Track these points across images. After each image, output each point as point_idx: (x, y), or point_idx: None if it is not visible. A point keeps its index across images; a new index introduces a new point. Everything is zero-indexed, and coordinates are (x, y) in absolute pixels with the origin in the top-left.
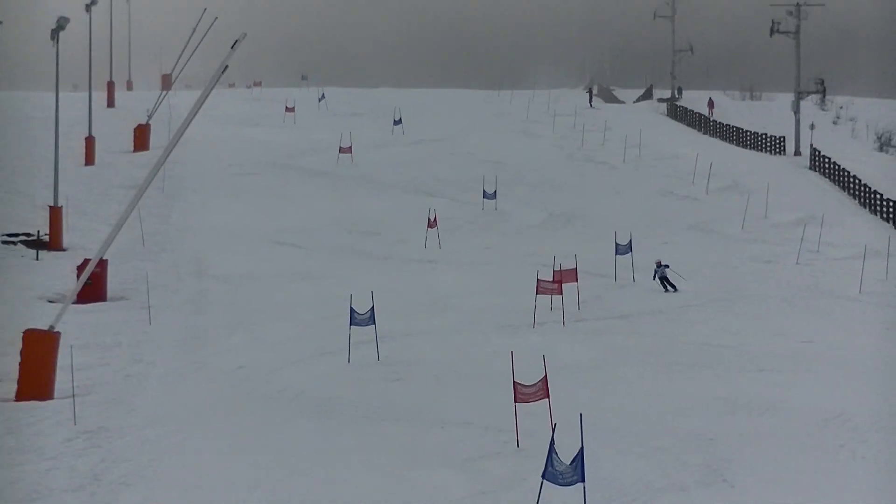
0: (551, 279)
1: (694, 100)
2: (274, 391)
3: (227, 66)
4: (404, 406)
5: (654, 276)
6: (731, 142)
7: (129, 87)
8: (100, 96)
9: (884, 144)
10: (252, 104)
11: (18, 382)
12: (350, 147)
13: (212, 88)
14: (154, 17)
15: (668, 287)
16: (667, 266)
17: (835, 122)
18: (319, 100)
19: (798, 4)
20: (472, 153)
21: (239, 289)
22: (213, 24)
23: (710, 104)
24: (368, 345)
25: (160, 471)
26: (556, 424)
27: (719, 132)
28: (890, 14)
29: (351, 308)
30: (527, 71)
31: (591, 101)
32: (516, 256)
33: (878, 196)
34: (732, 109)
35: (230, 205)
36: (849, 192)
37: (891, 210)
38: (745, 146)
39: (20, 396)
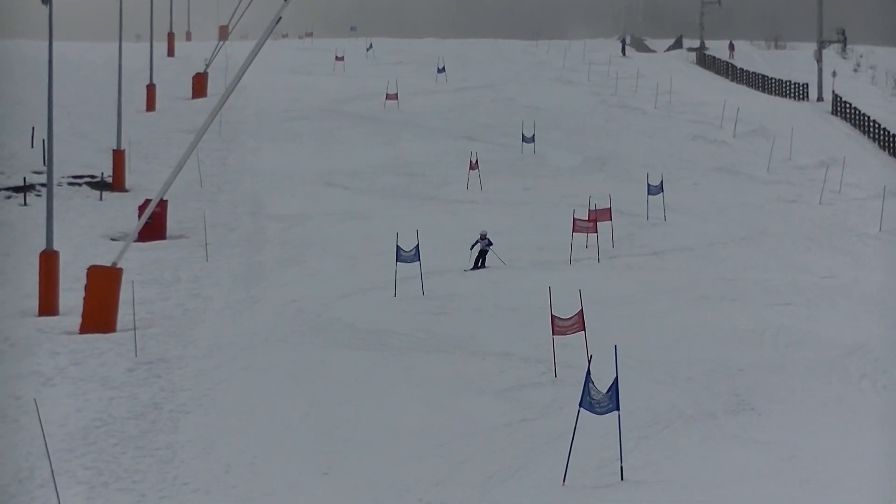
0: (587, 218)
1: (720, 49)
2: (325, 323)
3: (280, 18)
4: (447, 338)
5: (472, 246)
6: (756, 88)
7: (189, 37)
8: (161, 46)
9: None
10: (304, 54)
11: (83, 316)
12: (396, 94)
13: (266, 39)
14: None
15: (480, 264)
16: (490, 244)
17: (855, 70)
18: (367, 49)
19: None
20: (512, 100)
21: (292, 227)
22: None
23: (731, 47)
24: (414, 280)
25: (217, 399)
26: (591, 356)
27: (746, 80)
28: None
29: (397, 246)
30: (564, 23)
31: (623, 50)
32: (553, 197)
33: (894, 138)
34: (759, 58)
35: (284, 148)
36: (869, 136)
37: None
38: (770, 93)
39: (84, 329)
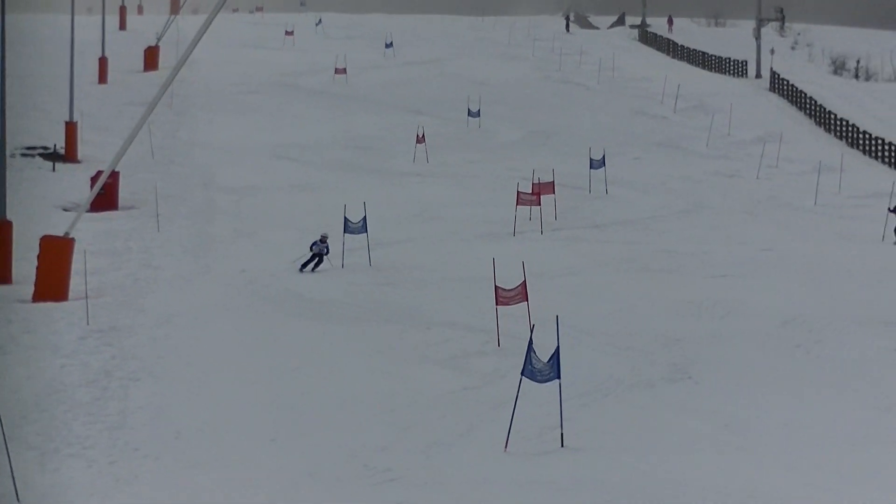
0: (530, 191)
1: (662, 26)
2: (274, 294)
3: None
4: (394, 308)
5: (311, 246)
6: (697, 65)
7: (140, 11)
8: (112, 20)
9: (838, 68)
10: (254, 28)
11: (35, 285)
12: (345, 69)
13: (216, 13)
14: None
15: (314, 267)
16: (328, 250)
17: (793, 48)
18: (316, 24)
19: None
20: (458, 75)
21: (243, 199)
22: None
23: (670, 21)
24: (361, 251)
25: (168, 367)
26: (534, 326)
27: (686, 56)
28: None
29: (345, 217)
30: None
31: (568, 27)
32: (498, 171)
33: (832, 116)
34: (699, 35)
35: (234, 121)
36: (805, 112)
37: (844, 128)
38: (710, 69)
39: (37, 298)
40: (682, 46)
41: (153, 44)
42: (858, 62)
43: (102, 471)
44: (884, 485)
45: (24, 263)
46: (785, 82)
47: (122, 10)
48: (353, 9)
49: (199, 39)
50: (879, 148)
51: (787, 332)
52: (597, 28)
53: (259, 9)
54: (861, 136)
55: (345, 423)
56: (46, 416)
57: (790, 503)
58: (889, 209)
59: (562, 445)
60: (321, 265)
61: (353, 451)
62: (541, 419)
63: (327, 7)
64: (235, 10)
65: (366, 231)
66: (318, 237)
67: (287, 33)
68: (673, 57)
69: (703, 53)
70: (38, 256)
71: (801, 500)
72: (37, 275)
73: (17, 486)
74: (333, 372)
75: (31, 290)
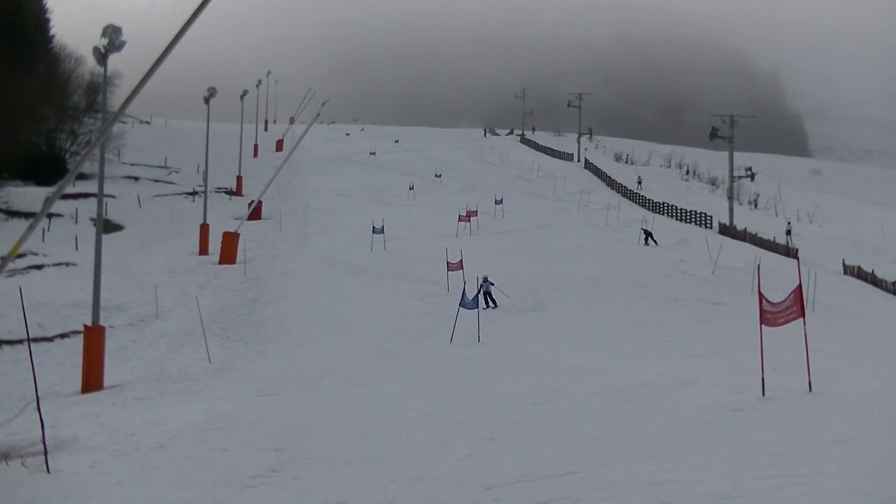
0: (465, 214)
1: (530, 134)
2: (337, 262)
3: (318, 114)
4: (397, 271)
5: (479, 292)
6: (548, 155)
7: (274, 122)
8: (261, 126)
9: (618, 158)
10: (331, 131)
11: (220, 255)
12: (375, 152)
13: (312, 125)
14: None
15: (490, 303)
16: (492, 283)
17: (596, 147)
18: (361, 130)
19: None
20: (430, 157)
21: (322, 216)
22: (321, 104)
23: (532, 130)
24: (381, 244)
25: (285, 297)
26: (465, 282)
27: (543, 151)
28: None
29: (373, 225)
30: (459, 117)
31: (485, 134)
32: (449, 204)
33: (614, 182)
34: (549, 140)
35: (319, 176)
36: (601, 179)
37: (619, 187)
38: (555, 157)
39: (221, 262)
40: (541, 145)
41: (280, 138)
42: (628, 155)
43: (250, 348)
44: (637, 359)
45: (215, 244)
46: (591, 164)
47: (266, 122)
48: (380, 122)
49: (303, 137)
50: (638, 198)
51: (590, 287)
52: (498, 135)
53: (332, 122)
54: (628, 192)
55: (369, 327)
56: (223, 320)
57: (592, 366)
58: (641, 228)
59: (479, 341)
60: (489, 306)
61: (372, 342)
62: (468, 328)
63: (369, 121)
64: (325, 123)
65: (383, 233)
66: (481, 279)
67: (346, 134)
68: (536, 150)
69: (552, 149)
70: (222, 242)
71: (597, 365)
72: (221, 251)
73: (210, 354)
74: (365, 303)
75: (217, 258)
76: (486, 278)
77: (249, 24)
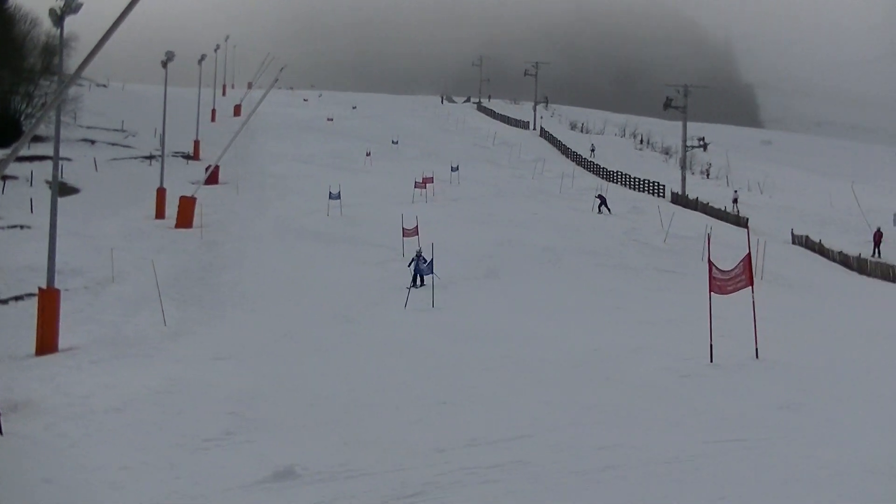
0: (422, 181)
1: (487, 102)
2: (293, 228)
3: (276, 79)
4: (353, 236)
5: (411, 264)
6: (505, 123)
7: (232, 87)
8: (218, 91)
9: (573, 127)
10: (288, 97)
11: (177, 219)
12: (332, 118)
13: (269, 90)
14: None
15: (418, 281)
16: (425, 259)
17: (552, 115)
18: (319, 96)
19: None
20: (388, 122)
21: (279, 181)
22: (279, 69)
23: (489, 98)
24: (337, 209)
25: (245, 262)
26: (420, 248)
27: (500, 118)
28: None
29: (329, 191)
30: (421, 84)
31: (442, 101)
32: (406, 171)
33: (569, 150)
34: (506, 108)
35: (277, 142)
36: (556, 147)
37: (574, 156)
38: (511, 125)
39: (177, 226)
40: (497, 113)
41: (238, 103)
42: (583, 124)
43: (207, 313)
44: (589, 326)
45: (172, 209)
46: (547, 132)
47: (224, 87)
48: (338, 88)
49: (261, 102)
50: (592, 166)
51: (545, 254)
52: (455, 103)
53: (290, 87)
54: (582, 160)
55: (325, 294)
56: (179, 285)
57: (545, 333)
58: (595, 195)
59: (433, 306)
60: (423, 281)
61: (328, 307)
62: (423, 294)
63: (327, 87)
64: (283, 88)
65: (340, 199)
66: (414, 253)
67: (304, 100)
68: (493, 118)
69: (507, 117)
70: (178, 206)
71: (550, 332)
72: (177, 214)
73: (166, 318)
74: (321, 268)
75: (173, 223)
76: (420, 253)
77: None
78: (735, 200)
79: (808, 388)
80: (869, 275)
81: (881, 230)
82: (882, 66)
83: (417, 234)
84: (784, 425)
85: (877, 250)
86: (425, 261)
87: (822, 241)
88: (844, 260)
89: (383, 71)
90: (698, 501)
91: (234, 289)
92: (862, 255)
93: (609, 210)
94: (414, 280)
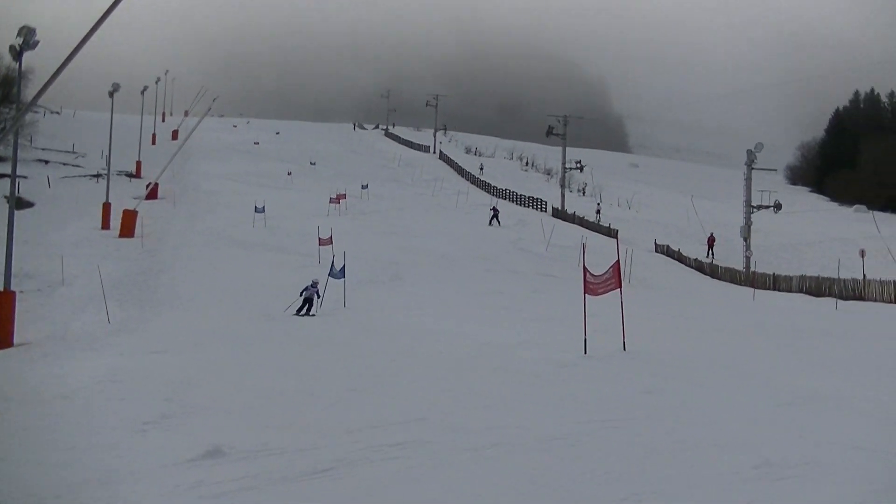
0: (335, 197)
1: (393, 129)
2: (223, 237)
3: (210, 109)
4: (273, 244)
5: (303, 293)
6: (409, 147)
7: (171, 113)
8: (159, 118)
9: (468, 151)
10: (221, 123)
11: (120, 229)
12: (258, 143)
13: (203, 117)
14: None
15: (307, 309)
16: (317, 292)
17: (450, 141)
18: (247, 123)
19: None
20: (307, 147)
21: (210, 196)
22: (212, 100)
23: (393, 125)
24: (262, 221)
25: (179, 267)
26: (335, 255)
27: (404, 143)
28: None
29: (255, 205)
30: (336, 112)
31: (354, 128)
32: (322, 188)
33: (464, 170)
34: (409, 134)
35: (210, 163)
36: (453, 168)
37: (468, 176)
38: (415, 149)
39: (120, 235)
40: (402, 138)
41: (175, 128)
42: (476, 149)
43: (145, 312)
44: (481, 323)
45: (116, 221)
46: (445, 155)
47: (164, 114)
48: (263, 116)
49: (195, 128)
50: (484, 184)
51: (442, 260)
52: (366, 129)
53: (221, 115)
54: (475, 179)
55: (251, 295)
56: (123, 286)
57: (442, 329)
58: (490, 208)
59: (345, 306)
60: (311, 309)
61: (252, 306)
62: (335, 296)
63: (253, 115)
64: (215, 116)
65: (264, 212)
66: (310, 282)
67: (234, 126)
68: (398, 143)
69: (411, 142)
70: (122, 218)
71: (447, 328)
72: (121, 225)
73: (109, 316)
74: (247, 272)
75: (117, 233)
76: (315, 283)
77: (151, 25)
78: (598, 211)
79: (667, 375)
80: (720, 278)
81: (714, 235)
82: (733, 101)
83: (332, 243)
84: (647, 407)
85: (710, 252)
86: (318, 294)
87: (681, 250)
88: (699, 266)
89: (303, 101)
90: (574, 472)
91: (169, 290)
92: (699, 259)
93: (500, 223)
94: (300, 308)
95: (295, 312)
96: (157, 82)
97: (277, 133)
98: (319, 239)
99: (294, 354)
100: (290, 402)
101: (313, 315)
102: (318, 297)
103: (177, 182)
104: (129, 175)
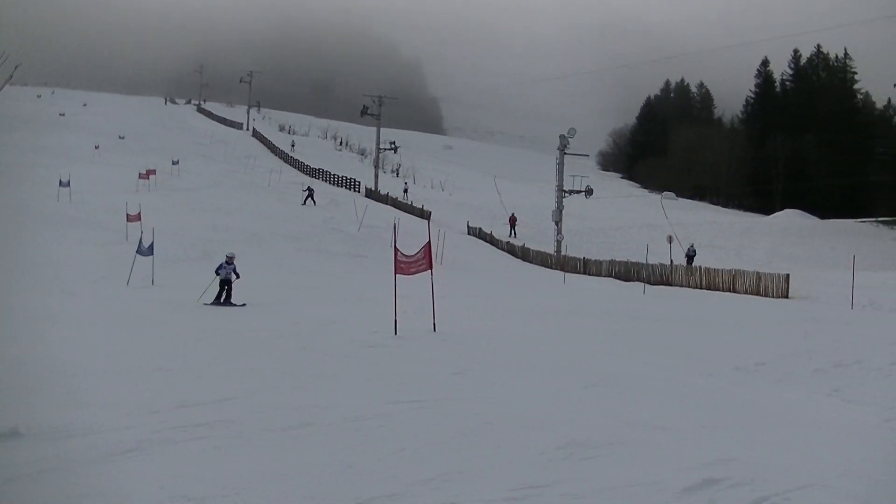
0: (146, 172)
1: (215, 107)
2: (27, 211)
3: (10, 77)
4: (80, 220)
5: (219, 269)
6: (222, 123)
7: None
8: None
9: (282, 129)
10: (20, 92)
11: None
12: (64, 114)
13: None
14: None
15: (225, 296)
16: (235, 272)
17: (263, 119)
18: (52, 93)
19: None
20: (116, 120)
21: (13, 169)
22: (14, 67)
23: (204, 101)
24: (67, 196)
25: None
26: (143, 232)
27: (217, 119)
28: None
29: (60, 179)
30: (143, 86)
31: (166, 102)
32: (132, 163)
33: (276, 148)
34: (224, 111)
35: (10, 134)
36: (266, 146)
37: (281, 154)
38: (227, 125)
39: None
40: (215, 114)
41: None
42: (290, 127)
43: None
44: (291, 302)
45: None
46: (259, 133)
47: None
48: (70, 87)
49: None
50: (296, 163)
51: (253, 239)
52: (178, 104)
53: (25, 84)
54: (289, 158)
55: (54, 270)
56: None
57: (251, 308)
58: (304, 189)
59: (153, 284)
60: (231, 295)
61: (56, 282)
62: (144, 273)
63: (59, 86)
64: (17, 85)
65: (70, 186)
66: (224, 259)
67: (38, 96)
68: (211, 119)
69: (224, 118)
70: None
71: (255, 307)
72: None
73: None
74: (50, 248)
75: None
76: (230, 259)
77: None
78: (405, 191)
79: (475, 356)
80: (531, 261)
81: (515, 215)
82: (546, 85)
83: (140, 219)
84: (455, 387)
85: (513, 231)
86: (237, 275)
87: (493, 233)
88: (511, 249)
89: (113, 72)
90: (382, 452)
91: None
92: (511, 242)
93: (315, 202)
94: (218, 295)
95: (213, 301)
96: None
97: (84, 105)
98: (128, 215)
99: (98, 332)
100: (92, 380)
101: (237, 305)
102: (237, 276)
103: None
104: None
